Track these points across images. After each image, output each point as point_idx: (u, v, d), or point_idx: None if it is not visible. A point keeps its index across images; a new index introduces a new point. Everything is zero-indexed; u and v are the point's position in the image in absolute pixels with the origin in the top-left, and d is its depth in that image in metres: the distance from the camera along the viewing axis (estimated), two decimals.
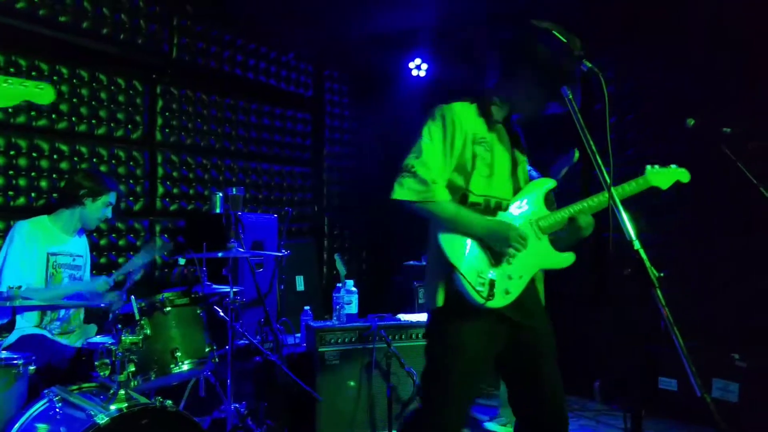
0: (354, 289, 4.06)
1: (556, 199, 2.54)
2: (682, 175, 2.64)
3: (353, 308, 4.03)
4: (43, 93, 1.79)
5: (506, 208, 2.35)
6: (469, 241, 2.26)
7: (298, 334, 4.26)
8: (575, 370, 4.84)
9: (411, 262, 5.48)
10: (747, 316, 4.31)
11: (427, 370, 2.32)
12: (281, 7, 5.05)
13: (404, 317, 4.07)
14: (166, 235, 4.79)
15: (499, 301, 2.23)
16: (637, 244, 1.93)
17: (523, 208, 2.38)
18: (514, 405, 2.41)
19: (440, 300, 2.26)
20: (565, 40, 2.23)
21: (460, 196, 2.30)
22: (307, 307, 4.32)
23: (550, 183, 2.45)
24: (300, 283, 5.18)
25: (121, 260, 4.52)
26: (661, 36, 4.80)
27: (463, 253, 2.23)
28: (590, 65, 2.12)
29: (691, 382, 1.86)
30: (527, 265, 2.31)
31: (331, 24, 5.45)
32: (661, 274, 1.81)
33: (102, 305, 3.25)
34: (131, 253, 4.57)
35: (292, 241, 5.28)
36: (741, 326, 4.34)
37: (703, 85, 4.55)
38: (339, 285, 4.07)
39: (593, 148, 2.05)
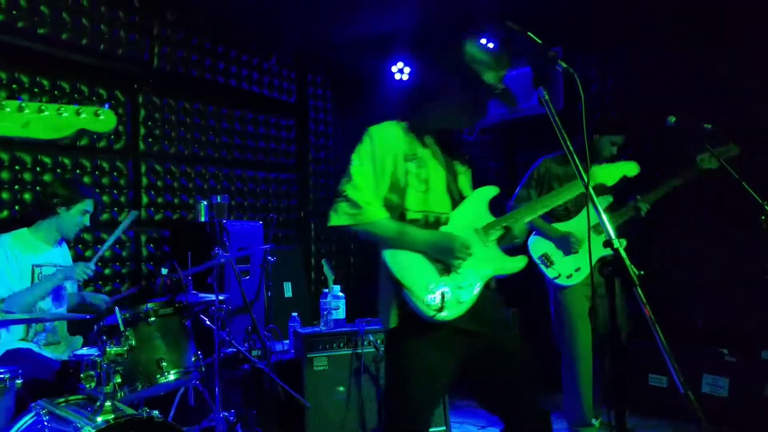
0: (341, 294, 4.07)
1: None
2: (629, 169, 2.66)
3: (341, 313, 4.03)
4: (102, 121, 1.61)
5: (446, 222, 2.35)
6: (414, 255, 2.26)
7: (287, 341, 4.25)
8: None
9: None
10: (736, 312, 4.36)
11: (387, 388, 2.35)
12: (262, 14, 5.05)
13: None
14: (151, 245, 4.78)
15: (451, 313, 2.22)
16: (616, 243, 1.95)
17: (467, 217, 2.38)
18: (493, 412, 2.42)
19: (393, 320, 2.26)
20: (540, 42, 2.27)
21: (398, 214, 2.31)
22: (294, 314, 4.32)
23: (492, 190, 2.45)
24: (288, 290, 5.17)
25: (107, 271, 4.50)
26: (646, 37, 4.86)
27: (410, 268, 2.24)
28: (565, 65, 2.14)
29: (674, 378, 1.88)
30: (477, 273, 2.31)
31: (312, 29, 5.45)
32: (641, 273, 1.83)
33: (87, 317, 3.24)
34: (117, 264, 4.56)
35: (279, 248, 5.27)
36: (730, 321, 4.39)
37: (686, 86, 4.61)
38: (326, 291, 4.08)
39: (570, 147, 2.07)
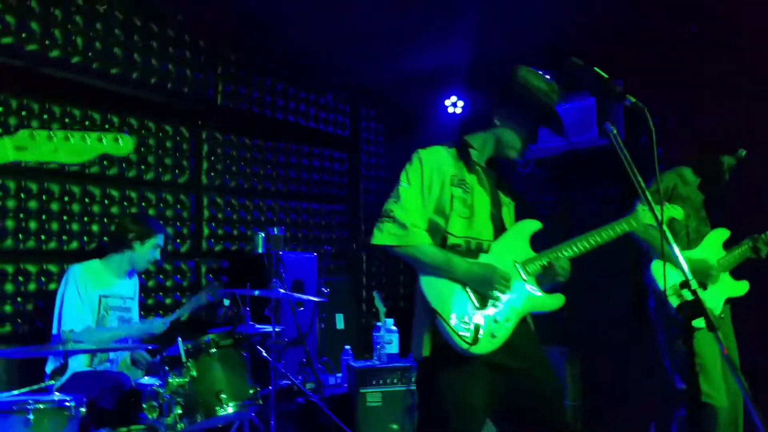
0: (394, 328, 4.07)
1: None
2: (677, 212, 2.66)
3: (394, 347, 4.03)
4: (122, 146, 1.74)
5: (488, 250, 2.31)
6: (452, 284, 2.22)
7: (339, 374, 4.27)
8: (629, 414, 4.66)
9: None
10: None
11: (420, 422, 2.28)
12: (318, 51, 5.19)
13: None
14: (211, 275, 4.91)
15: (485, 347, 2.16)
16: (694, 284, 1.90)
17: (508, 250, 2.34)
18: None
19: (426, 349, 2.21)
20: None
21: (440, 238, 2.28)
22: (347, 347, 4.34)
23: (535, 225, 2.42)
24: (340, 322, 5.21)
25: (168, 301, 4.63)
26: (703, 72, 4.77)
27: (446, 297, 2.20)
28: (634, 100, 2.12)
29: (758, 425, 1.81)
30: (514, 308, 2.26)
31: (366, 65, 5.57)
32: (722, 317, 1.80)
33: (150, 348, 3.34)
34: (178, 293, 4.70)
35: (331, 279, 5.33)
36: None
37: (747, 122, 4.49)
38: (378, 324, 4.09)
39: (642, 184, 2.05)
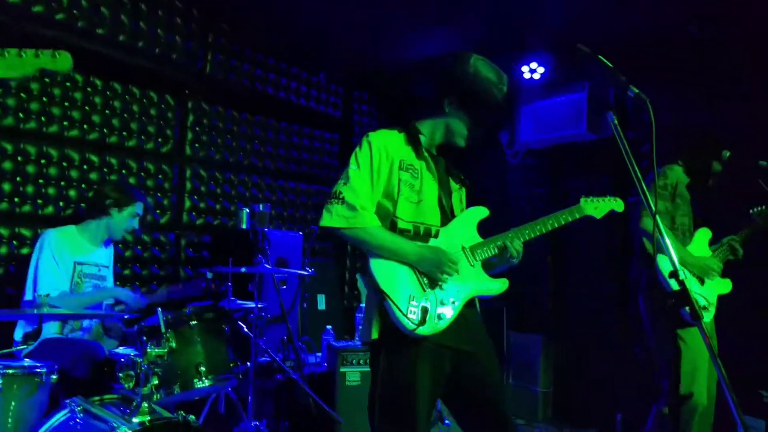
0: None
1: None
2: (617, 205, 2.70)
3: None
4: (59, 61, 1.79)
5: (436, 235, 2.35)
6: (400, 267, 2.25)
7: (319, 354, 4.20)
8: (597, 403, 4.73)
9: None
10: None
11: (373, 404, 2.27)
12: (314, 30, 5.07)
13: None
14: (191, 249, 4.79)
15: (431, 328, 2.20)
16: (682, 275, 1.90)
17: (456, 235, 2.38)
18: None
19: (375, 332, 2.24)
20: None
21: (389, 222, 2.31)
22: (329, 327, 4.27)
23: (483, 212, 2.47)
24: (321, 302, 5.13)
25: (145, 272, 4.51)
26: (699, 71, 4.75)
27: (395, 279, 2.22)
28: (637, 90, 2.09)
29: (736, 419, 1.81)
30: (460, 291, 2.30)
31: (362, 47, 5.47)
32: (706, 306, 1.76)
33: (125, 317, 3.24)
34: (155, 266, 4.57)
35: (316, 260, 5.24)
36: None
37: (738, 122, 4.48)
38: (362, 305, 4.01)
39: (638, 174, 2.01)
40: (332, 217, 2.24)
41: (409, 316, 2.17)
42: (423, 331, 2.17)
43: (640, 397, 4.12)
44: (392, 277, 2.22)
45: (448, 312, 2.25)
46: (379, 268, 2.23)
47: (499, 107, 2.38)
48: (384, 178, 2.30)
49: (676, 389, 3.41)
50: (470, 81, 2.34)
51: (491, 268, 2.44)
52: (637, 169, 2.02)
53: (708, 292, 3.46)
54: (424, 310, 2.20)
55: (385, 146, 2.33)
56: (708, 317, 3.47)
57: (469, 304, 2.34)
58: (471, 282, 2.34)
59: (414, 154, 2.37)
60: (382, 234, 2.25)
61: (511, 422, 2.32)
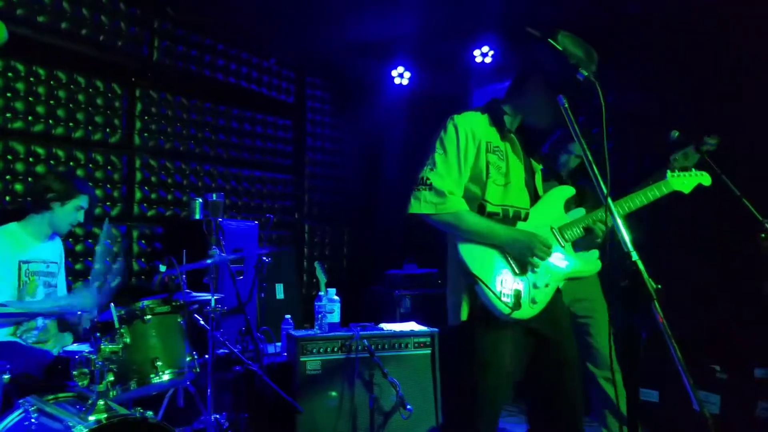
0: (336, 297, 4.01)
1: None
2: (704, 179, 2.68)
3: (335, 317, 3.97)
4: None
5: (525, 218, 2.32)
6: (491, 251, 2.22)
7: (279, 343, 4.19)
8: None
9: (392, 271, 5.44)
10: (727, 327, 4.35)
11: (456, 385, 2.29)
12: (263, 13, 5.00)
13: (387, 326, 4.03)
14: (143, 241, 4.70)
15: (525, 312, 2.20)
16: (634, 255, 1.92)
17: (545, 215, 2.36)
18: (532, 418, 2.38)
19: (464, 314, 2.22)
20: (560, 49, 2.20)
21: (477, 206, 2.27)
22: (288, 316, 4.26)
23: (568, 190, 2.45)
24: (280, 292, 5.10)
25: (97, 266, 4.39)
26: (646, 51, 4.86)
27: (486, 263, 2.20)
28: (586, 73, 2.11)
29: (690, 396, 1.85)
30: (553, 274, 2.29)
31: (313, 31, 5.41)
32: (659, 287, 1.81)
33: (79, 312, 3.16)
34: (107, 259, 4.46)
35: (273, 249, 5.21)
36: (721, 337, 4.38)
37: (687, 100, 4.61)
38: (321, 294, 4.02)
39: (589, 156, 2.04)
40: (420, 204, 2.21)
41: (503, 299, 2.15)
42: (518, 315, 2.16)
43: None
44: (483, 262, 2.19)
45: (542, 296, 2.24)
46: (468, 252, 2.20)
47: (588, 86, 2.14)
48: (471, 161, 2.25)
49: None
50: (555, 59, 2.19)
51: (579, 247, 2.40)
52: (588, 152, 2.06)
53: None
54: (517, 294, 2.18)
55: (471, 128, 2.27)
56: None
57: (557, 288, 2.32)
58: (563, 264, 2.31)
59: (498, 135, 2.31)
60: (472, 218, 2.22)
61: (580, 417, 2.29)
